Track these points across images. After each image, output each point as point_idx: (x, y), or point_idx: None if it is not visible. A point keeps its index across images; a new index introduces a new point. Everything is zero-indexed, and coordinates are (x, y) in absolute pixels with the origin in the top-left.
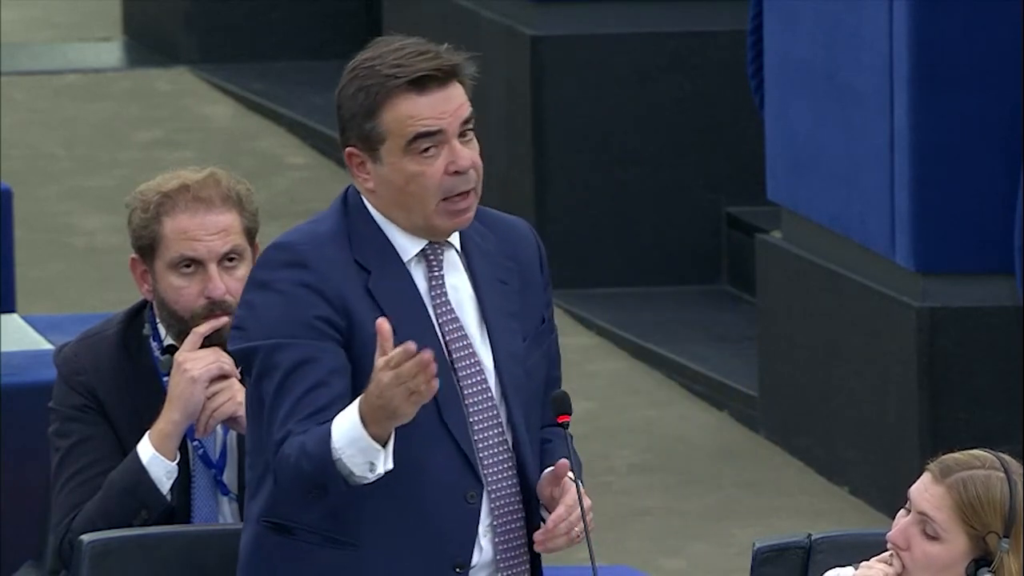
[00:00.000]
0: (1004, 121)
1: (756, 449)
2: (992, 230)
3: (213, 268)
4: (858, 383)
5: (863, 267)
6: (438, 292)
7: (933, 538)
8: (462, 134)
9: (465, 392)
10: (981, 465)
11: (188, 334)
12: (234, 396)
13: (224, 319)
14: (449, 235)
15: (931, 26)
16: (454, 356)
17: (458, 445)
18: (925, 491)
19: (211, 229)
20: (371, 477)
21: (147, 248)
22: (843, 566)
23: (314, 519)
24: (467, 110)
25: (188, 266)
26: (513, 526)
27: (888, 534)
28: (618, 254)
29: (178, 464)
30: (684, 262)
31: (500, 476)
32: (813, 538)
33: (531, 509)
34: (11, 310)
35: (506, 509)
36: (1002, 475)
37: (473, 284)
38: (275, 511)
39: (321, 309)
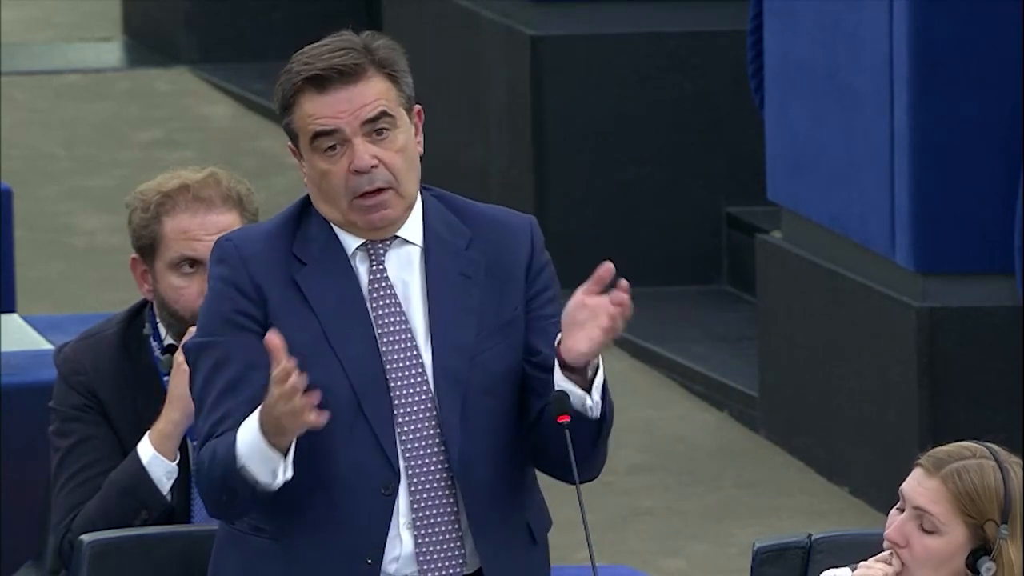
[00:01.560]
0: (1004, 121)
1: (756, 449)
2: (992, 230)
3: None
4: (858, 383)
5: (863, 267)
6: (378, 286)
7: (931, 532)
8: (378, 132)
9: (393, 385)
10: (972, 455)
11: (188, 334)
12: None
13: None
14: (374, 231)
15: (931, 26)
16: (386, 349)
17: (376, 436)
18: (919, 486)
19: (211, 229)
20: (275, 484)
21: (147, 248)
22: (840, 566)
23: None
24: (374, 109)
25: (189, 266)
26: (439, 520)
27: (885, 533)
28: (618, 254)
29: (178, 464)
30: (684, 262)
31: (425, 470)
32: (813, 538)
33: (467, 504)
34: (11, 310)
35: (431, 503)
36: (993, 463)
37: (425, 279)
38: None
39: (238, 303)
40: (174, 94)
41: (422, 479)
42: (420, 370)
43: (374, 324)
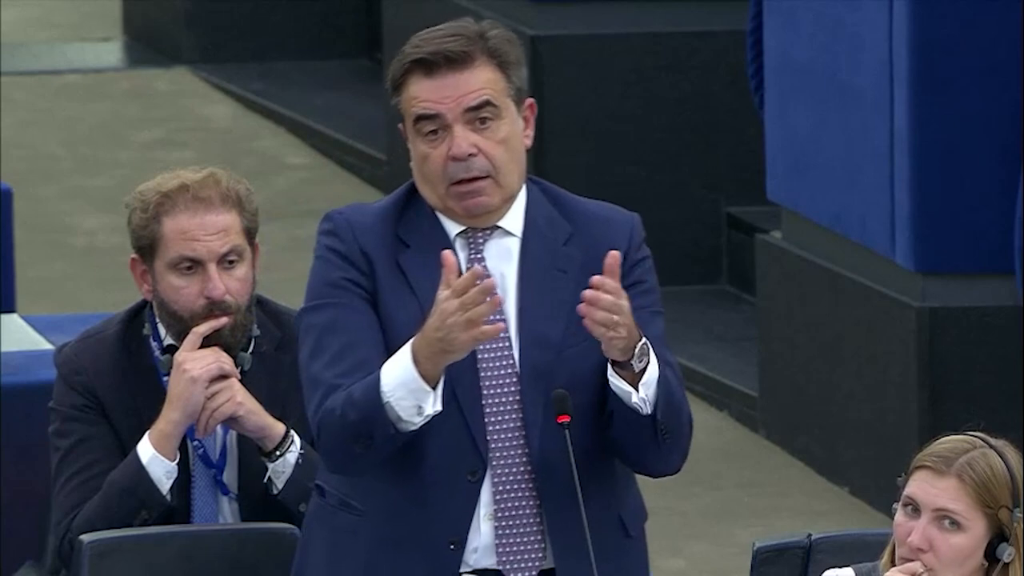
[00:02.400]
0: (1004, 121)
1: (756, 449)
2: (992, 230)
3: (212, 268)
4: (858, 383)
5: (863, 267)
6: None
7: (956, 530)
8: (481, 120)
9: (484, 372)
10: (972, 446)
11: (188, 334)
12: (234, 396)
13: (224, 319)
14: (472, 218)
15: (931, 26)
16: None
17: (466, 421)
18: (933, 488)
19: (210, 229)
20: (418, 421)
21: (147, 248)
22: (841, 566)
23: (336, 482)
24: (478, 97)
25: (188, 266)
26: (520, 513)
27: (907, 540)
28: None
29: (178, 464)
30: (684, 262)
31: (508, 462)
32: (813, 538)
33: (544, 497)
34: (11, 310)
35: (512, 495)
36: (990, 451)
37: (519, 270)
38: (319, 474)
39: (348, 272)
40: (174, 94)
41: (505, 471)
42: (510, 361)
43: None
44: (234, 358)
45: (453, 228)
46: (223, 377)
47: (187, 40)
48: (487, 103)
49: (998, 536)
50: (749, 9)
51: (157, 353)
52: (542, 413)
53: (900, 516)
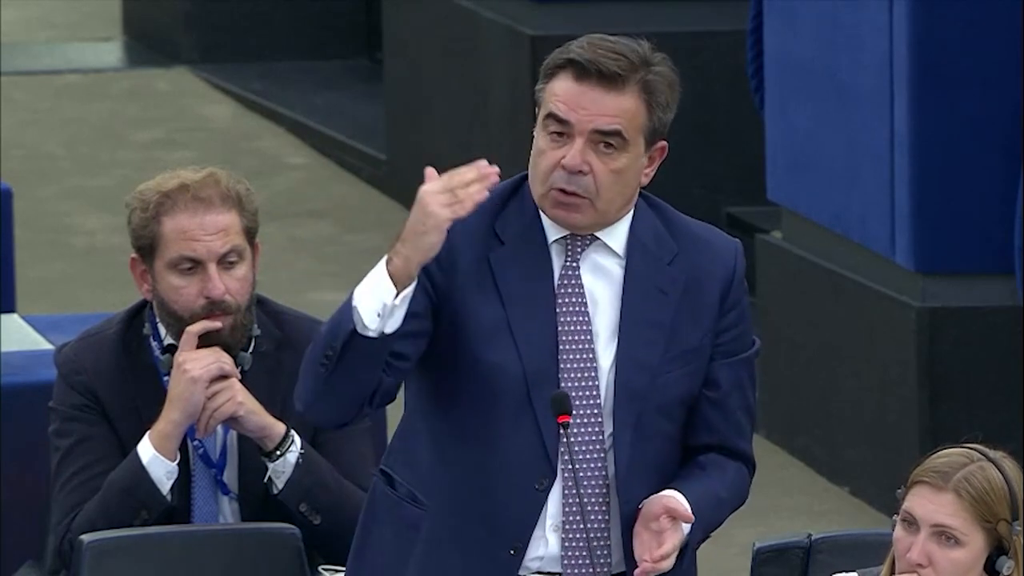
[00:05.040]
0: (1004, 121)
1: (756, 449)
2: (992, 230)
3: (212, 268)
4: (858, 383)
5: (863, 267)
6: (567, 283)
7: (955, 546)
8: (605, 144)
9: (564, 385)
10: (969, 460)
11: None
12: (234, 396)
13: (218, 322)
14: (560, 225)
15: (931, 26)
16: (564, 347)
17: (539, 429)
18: (931, 503)
19: (210, 229)
20: (371, 329)
21: (147, 248)
22: (847, 571)
23: (407, 473)
24: (611, 124)
25: (188, 266)
26: (589, 526)
27: (906, 556)
28: None
29: (178, 464)
30: None
31: (581, 475)
32: (813, 538)
33: (623, 516)
34: (11, 310)
35: (579, 507)
36: (988, 463)
37: (622, 289)
38: (387, 459)
39: (427, 264)
40: (174, 94)
41: (578, 483)
42: (592, 375)
43: (557, 320)
44: (234, 358)
45: (554, 232)
46: (223, 377)
47: (187, 40)
48: (617, 133)
49: (997, 549)
50: (749, 9)
51: (157, 353)
52: (631, 433)
53: (899, 531)
